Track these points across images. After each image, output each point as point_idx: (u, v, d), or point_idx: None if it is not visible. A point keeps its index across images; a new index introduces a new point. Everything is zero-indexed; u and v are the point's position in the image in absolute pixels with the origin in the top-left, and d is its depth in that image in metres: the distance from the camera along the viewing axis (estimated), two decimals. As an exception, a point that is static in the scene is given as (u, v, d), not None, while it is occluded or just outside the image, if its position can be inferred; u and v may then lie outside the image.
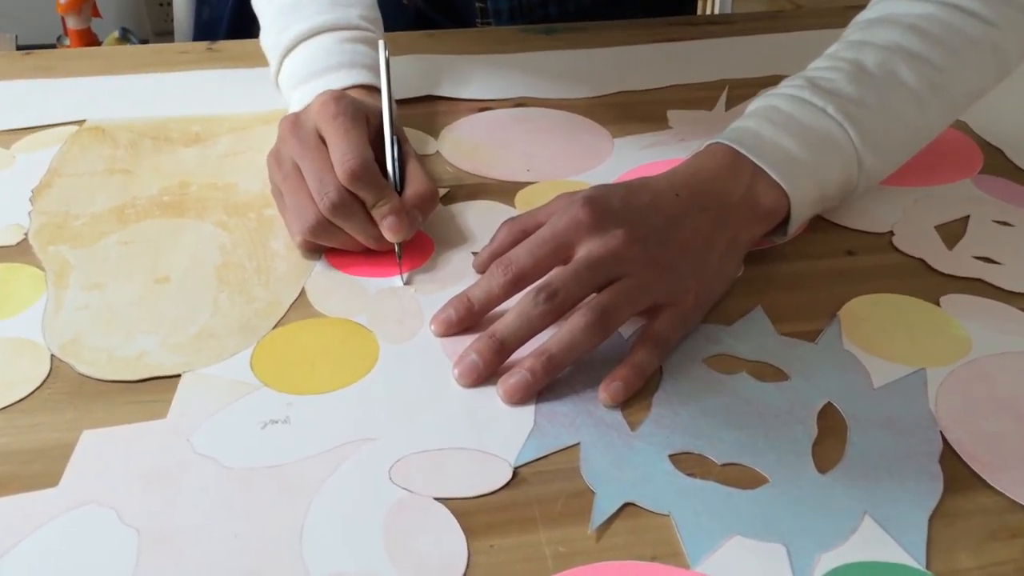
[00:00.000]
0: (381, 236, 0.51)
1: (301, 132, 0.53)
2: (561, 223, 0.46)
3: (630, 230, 0.46)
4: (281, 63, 0.64)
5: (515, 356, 0.44)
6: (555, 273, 0.45)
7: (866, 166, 0.53)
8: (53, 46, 1.91)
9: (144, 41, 2.00)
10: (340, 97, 0.53)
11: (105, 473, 0.39)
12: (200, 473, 0.39)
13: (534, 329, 0.44)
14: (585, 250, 0.45)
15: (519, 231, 0.50)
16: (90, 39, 1.85)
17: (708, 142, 0.52)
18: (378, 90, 0.58)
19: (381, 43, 0.58)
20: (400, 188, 0.53)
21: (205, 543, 0.36)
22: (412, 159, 0.55)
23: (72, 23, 1.82)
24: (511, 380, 0.43)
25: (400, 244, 0.52)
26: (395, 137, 0.54)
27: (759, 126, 0.52)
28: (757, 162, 0.50)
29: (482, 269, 0.51)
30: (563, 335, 0.43)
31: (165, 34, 2.06)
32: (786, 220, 0.51)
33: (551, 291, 0.44)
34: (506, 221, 0.51)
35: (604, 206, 0.46)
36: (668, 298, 0.46)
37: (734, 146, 0.51)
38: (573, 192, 0.48)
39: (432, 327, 0.47)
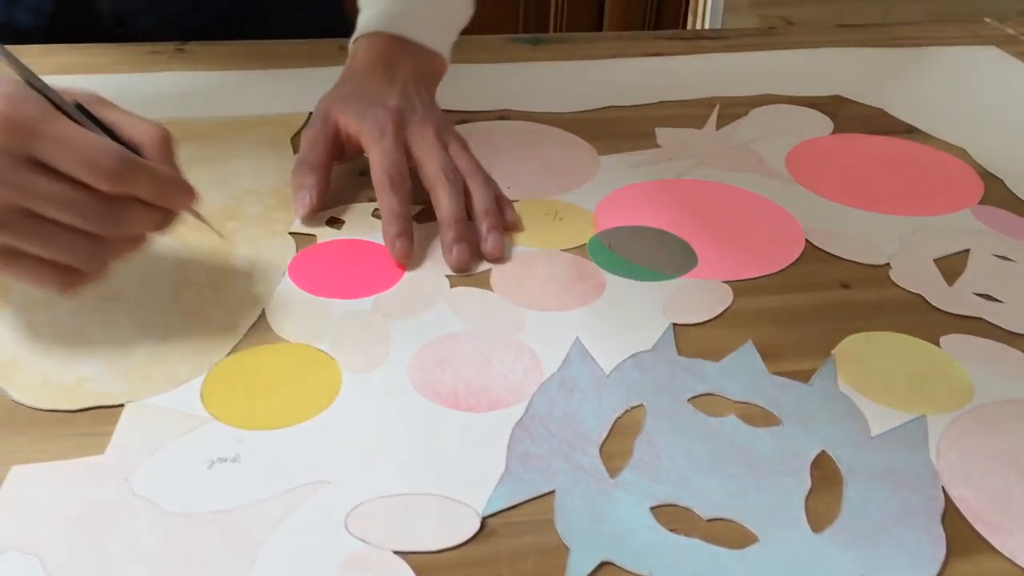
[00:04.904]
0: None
1: None
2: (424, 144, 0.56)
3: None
4: None
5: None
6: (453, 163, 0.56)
7: None
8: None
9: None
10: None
11: (32, 516, 0.35)
12: (135, 517, 0.35)
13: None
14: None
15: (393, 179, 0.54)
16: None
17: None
18: None
19: None
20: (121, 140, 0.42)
21: (137, 599, 0.33)
22: (101, 107, 0.43)
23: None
24: (488, 244, 0.52)
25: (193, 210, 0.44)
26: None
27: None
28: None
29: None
30: (484, 193, 0.54)
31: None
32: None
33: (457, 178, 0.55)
34: (382, 191, 0.53)
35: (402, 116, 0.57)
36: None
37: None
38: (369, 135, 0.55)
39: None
